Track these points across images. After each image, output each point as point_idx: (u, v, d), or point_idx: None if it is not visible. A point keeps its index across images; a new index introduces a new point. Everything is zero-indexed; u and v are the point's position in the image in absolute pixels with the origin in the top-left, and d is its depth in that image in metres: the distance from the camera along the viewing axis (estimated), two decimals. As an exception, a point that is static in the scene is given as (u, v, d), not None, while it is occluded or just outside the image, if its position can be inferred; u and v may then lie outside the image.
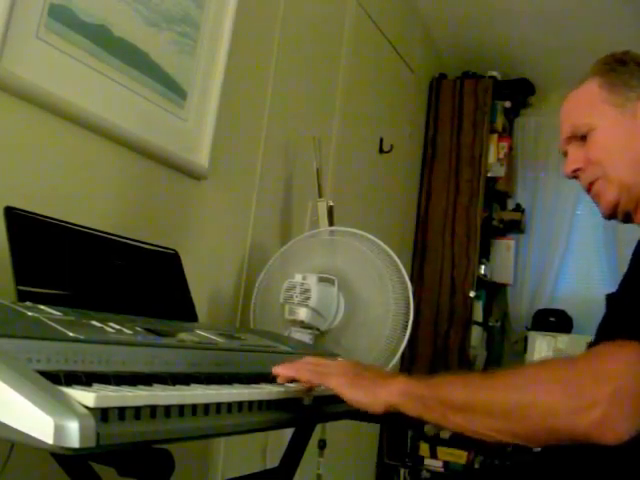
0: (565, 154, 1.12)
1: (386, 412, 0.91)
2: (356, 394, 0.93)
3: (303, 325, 1.65)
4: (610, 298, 0.94)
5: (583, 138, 1.07)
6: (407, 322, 1.65)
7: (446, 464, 3.14)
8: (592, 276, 3.79)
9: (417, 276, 3.51)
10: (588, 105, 1.08)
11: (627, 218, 1.06)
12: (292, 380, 0.99)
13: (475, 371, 0.95)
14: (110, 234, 1.26)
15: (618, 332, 0.77)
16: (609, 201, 1.05)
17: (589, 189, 1.08)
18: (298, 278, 1.65)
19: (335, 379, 0.95)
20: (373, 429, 3.17)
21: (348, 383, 0.94)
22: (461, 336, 3.42)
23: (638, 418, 0.72)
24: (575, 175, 1.10)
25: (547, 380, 0.78)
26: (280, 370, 0.98)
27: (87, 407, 0.63)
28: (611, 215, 1.07)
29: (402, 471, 3.18)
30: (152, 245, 1.36)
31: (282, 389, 0.97)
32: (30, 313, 0.86)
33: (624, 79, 1.06)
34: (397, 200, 3.33)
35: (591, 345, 0.87)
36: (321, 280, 1.66)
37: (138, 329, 0.96)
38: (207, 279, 1.84)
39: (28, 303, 0.96)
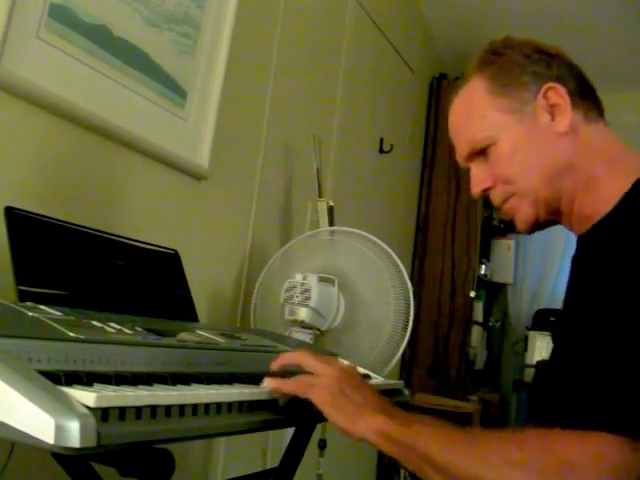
0: (468, 170, 1.00)
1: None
2: (336, 416, 0.87)
3: (303, 325, 1.65)
4: (555, 337, 0.86)
5: (484, 152, 0.96)
6: (407, 322, 1.65)
7: (446, 464, 3.13)
8: (592, 276, 3.78)
9: (417, 276, 3.51)
10: (480, 116, 0.95)
11: (548, 226, 0.98)
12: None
13: (454, 425, 0.88)
14: (110, 234, 1.26)
15: (590, 417, 0.72)
16: (526, 218, 0.95)
17: (501, 206, 0.98)
18: (298, 278, 1.65)
19: (317, 393, 0.89)
20: (373, 429, 3.16)
21: (330, 402, 0.88)
22: (461, 336, 3.42)
23: None
24: (485, 194, 0.99)
25: (521, 465, 0.74)
26: (269, 383, 0.92)
27: (88, 407, 0.62)
28: (530, 231, 0.98)
29: (402, 471, 3.17)
30: (152, 245, 1.36)
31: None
32: (30, 313, 0.86)
33: (512, 76, 0.93)
34: (397, 200, 3.33)
35: (552, 376, 0.82)
36: (321, 280, 1.66)
37: (138, 329, 0.96)
38: (207, 279, 1.84)
39: (28, 303, 0.96)
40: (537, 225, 0.97)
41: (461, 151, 1.00)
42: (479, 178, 0.98)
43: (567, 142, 0.91)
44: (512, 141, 0.93)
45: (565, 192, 0.92)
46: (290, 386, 0.91)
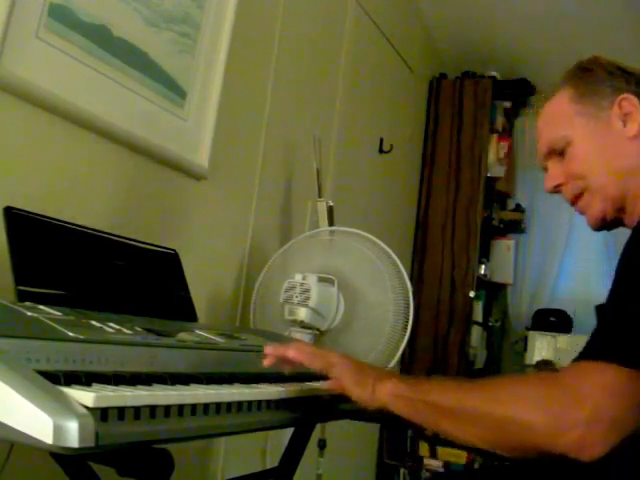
0: (545, 169, 1.12)
1: (380, 410, 0.95)
2: (357, 389, 0.96)
3: (303, 325, 1.65)
4: (599, 310, 0.94)
5: (561, 153, 1.07)
6: (407, 322, 1.65)
7: (446, 464, 3.14)
8: (592, 276, 3.79)
9: (417, 276, 3.51)
10: (561, 119, 1.07)
11: (616, 225, 1.07)
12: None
13: (464, 378, 1.03)
14: (110, 234, 1.26)
15: (599, 350, 0.80)
16: (596, 214, 1.05)
17: (574, 202, 1.08)
18: (298, 278, 1.65)
19: (339, 369, 0.98)
20: (373, 429, 3.17)
21: (351, 377, 0.98)
22: (461, 336, 3.42)
23: (611, 439, 0.76)
24: (557, 190, 1.10)
25: (529, 397, 0.81)
26: (292, 352, 1.01)
27: (86, 407, 0.63)
28: (599, 227, 1.07)
29: (402, 471, 3.17)
30: (152, 245, 1.36)
31: (282, 389, 0.97)
32: (30, 313, 0.86)
33: (593, 88, 1.05)
34: (397, 200, 3.33)
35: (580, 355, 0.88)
36: (321, 280, 1.66)
37: (138, 329, 0.97)
38: (207, 279, 1.84)
39: (28, 303, 0.96)
40: (605, 223, 1.06)
41: (541, 150, 1.11)
42: (553, 174, 1.09)
43: (635, 146, 1.02)
44: (586, 142, 1.04)
45: (630, 191, 1.01)
46: (311, 359, 1.00)
